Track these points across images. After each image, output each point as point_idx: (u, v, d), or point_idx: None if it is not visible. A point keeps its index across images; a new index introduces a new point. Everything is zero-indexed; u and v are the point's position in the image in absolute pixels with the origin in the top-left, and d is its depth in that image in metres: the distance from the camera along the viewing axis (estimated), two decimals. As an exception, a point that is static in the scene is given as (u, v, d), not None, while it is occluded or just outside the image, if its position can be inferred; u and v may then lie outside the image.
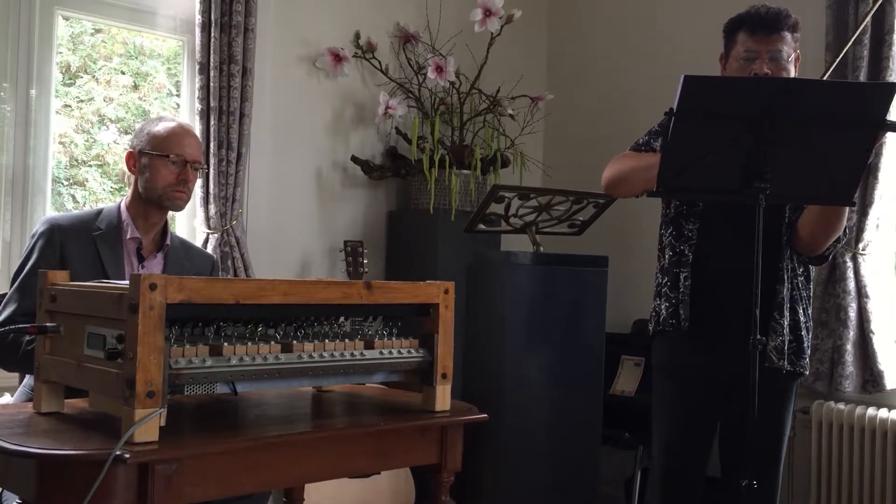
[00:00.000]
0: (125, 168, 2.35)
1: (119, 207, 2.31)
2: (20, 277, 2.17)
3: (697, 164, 1.91)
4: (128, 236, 2.27)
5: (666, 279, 2.30)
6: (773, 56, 2.18)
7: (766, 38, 2.18)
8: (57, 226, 2.21)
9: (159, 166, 2.26)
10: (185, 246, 2.47)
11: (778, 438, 2.27)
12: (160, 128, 2.30)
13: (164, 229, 2.36)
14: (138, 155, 2.29)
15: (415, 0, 3.79)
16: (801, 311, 2.26)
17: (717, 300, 2.23)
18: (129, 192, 2.33)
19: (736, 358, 2.21)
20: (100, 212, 2.30)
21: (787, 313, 2.21)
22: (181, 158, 2.28)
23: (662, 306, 2.29)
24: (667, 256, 2.33)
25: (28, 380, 2.22)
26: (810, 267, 2.33)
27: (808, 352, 2.29)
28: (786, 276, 2.22)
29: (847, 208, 2.18)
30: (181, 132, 2.31)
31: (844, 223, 2.22)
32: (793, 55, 2.22)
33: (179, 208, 2.34)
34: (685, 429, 2.32)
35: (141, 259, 2.29)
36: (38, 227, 2.24)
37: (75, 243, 2.20)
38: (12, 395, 2.38)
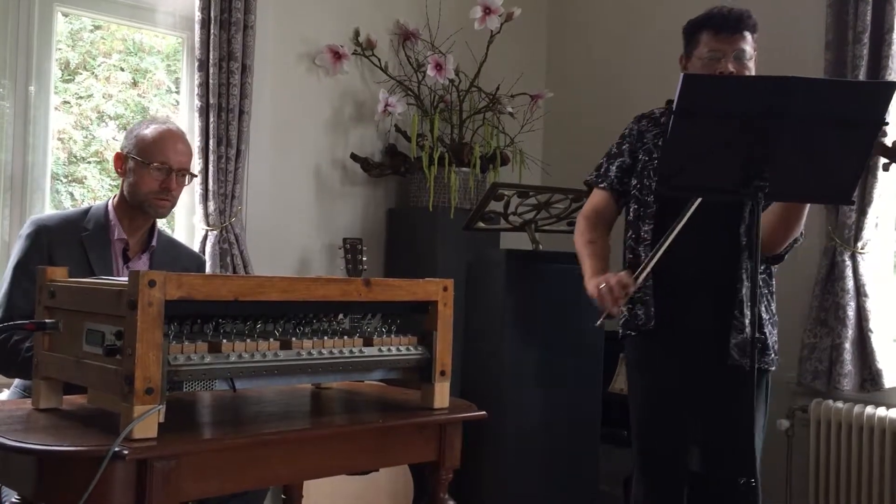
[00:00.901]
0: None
1: (107, 207, 2.28)
2: (8, 280, 2.15)
3: (697, 162, 1.92)
4: (115, 237, 2.25)
5: None
6: (738, 55, 2.23)
7: (730, 37, 2.23)
8: (44, 227, 2.19)
9: (143, 173, 2.23)
10: (173, 245, 2.45)
11: (749, 433, 2.27)
12: (149, 132, 2.26)
13: (151, 230, 2.34)
14: (125, 157, 2.27)
15: (414, -3, 3.79)
16: (764, 308, 2.29)
17: (678, 300, 2.27)
18: (117, 192, 2.31)
19: (699, 356, 2.25)
20: (87, 211, 2.28)
21: (747, 311, 2.22)
22: (165, 166, 2.23)
23: (625, 308, 2.32)
24: (627, 259, 2.38)
25: (20, 381, 2.20)
26: (771, 266, 2.36)
27: (776, 347, 2.33)
28: (745, 276, 2.24)
29: (806, 210, 2.22)
30: (168, 138, 2.26)
31: (802, 224, 2.26)
32: (753, 55, 2.27)
33: (162, 216, 2.31)
34: (658, 424, 2.35)
35: (126, 260, 2.27)
36: (24, 228, 2.21)
37: (63, 244, 2.17)
38: (7, 391, 2.37)
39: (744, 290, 2.23)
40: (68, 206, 3.06)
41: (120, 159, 2.29)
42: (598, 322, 2.21)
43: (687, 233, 2.19)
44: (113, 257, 2.24)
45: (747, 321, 2.22)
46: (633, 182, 2.36)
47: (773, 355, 2.31)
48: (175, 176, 2.25)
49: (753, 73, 2.26)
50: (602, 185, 2.40)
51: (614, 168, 2.39)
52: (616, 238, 2.43)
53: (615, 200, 2.41)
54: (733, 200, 2.11)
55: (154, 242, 2.33)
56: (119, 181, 2.32)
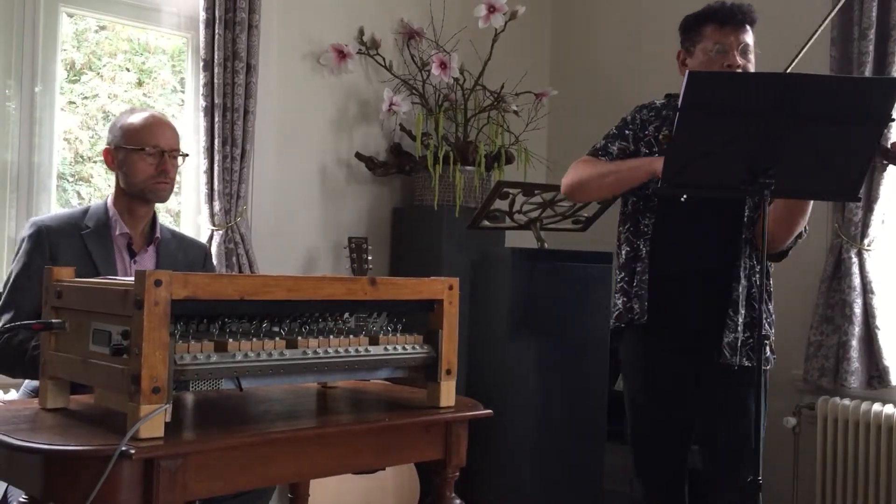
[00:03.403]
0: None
1: (106, 204, 2.29)
2: (10, 283, 2.15)
3: (703, 159, 1.92)
4: (116, 232, 2.25)
5: (623, 274, 2.32)
6: (743, 49, 2.22)
7: (736, 30, 2.21)
8: (44, 227, 2.19)
9: (136, 160, 2.23)
10: (177, 237, 2.44)
11: (748, 430, 2.25)
12: (132, 120, 2.27)
13: (153, 222, 2.34)
14: (115, 151, 2.27)
15: (419, -4, 3.79)
16: (762, 307, 2.27)
17: (674, 295, 2.25)
18: (113, 188, 2.31)
19: (695, 352, 2.23)
20: (86, 210, 2.28)
21: (742, 310, 2.21)
22: (158, 149, 2.24)
23: (619, 301, 2.31)
24: (624, 252, 2.35)
25: (29, 382, 2.21)
26: (769, 264, 2.33)
27: (771, 346, 2.31)
28: (742, 274, 2.22)
29: (811, 205, 2.20)
30: (154, 122, 2.27)
31: (807, 220, 2.24)
32: (754, 49, 2.26)
33: (163, 199, 2.32)
34: (652, 421, 2.34)
35: (132, 254, 2.27)
36: (24, 230, 2.22)
37: (64, 243, 2.17)
38: (17, 391, 2.38)
39: (739, 289, 2.21)
40: (76, 205, 3.07)
41: (109, 154, 2.29)
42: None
43: (684, 227, 2.18)
44: (117, 253, 2.25)
45: (741, 320, 2.21)
46: None
47: (769, 354, 2.29)
48: (168, 157, 2.26)
49: (754, 68, 2.25)
50: (602, 158, 2.32)
51: (616, 148, 2.32)
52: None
53: None
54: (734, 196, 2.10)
55: (158, 234, 2.33)
56: (113, 178, 2.32)
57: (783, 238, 2.24)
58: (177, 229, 2.56)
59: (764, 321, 2.26)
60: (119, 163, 2.26)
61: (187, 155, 2.37)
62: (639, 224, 2.30)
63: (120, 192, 2.28)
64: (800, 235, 2.28)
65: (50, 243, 2.16)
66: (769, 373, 2.33)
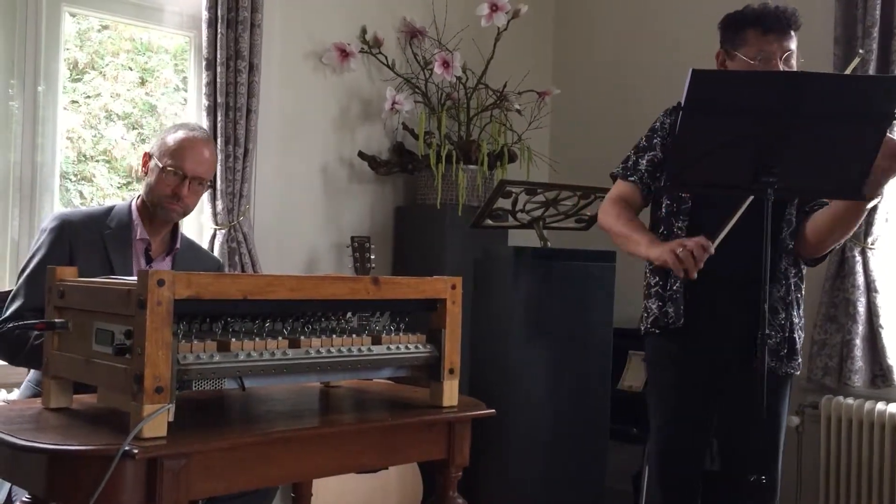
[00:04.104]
0: (138, 165, 2.35)
1: (130, 206, 2.30)
2: (27, 271, 2.17)
3: (706, 158, 1.91)
4: (137, 236, 2.26)
5: (657, 279, 2.29)
6: (787, 57, 2.15)
7: (779, 37, 2.14)
8: (68, 222, 2.20)
9: (159, 175, 2.25)
10: (194, 248, 2.46)
11: (775, 435, 2.26)
12: (172, 137, 2.28)
13: (175, 232, 2.36)
14: (150, 157, 2.30)
15: (421, -5, 3.78)
16: (795, 312, 2.26)
17: (710, 299, 2.22)
18: (141, 191, 2.33)
19: (728, 356, 2.22)
20: (111, 209, 2.29)
21: (779, 316, 2.20)
22: (180, 172, 2.24)
23: (654, 305, 2.28)
24: None
25: (33, 374, 2.22)
26: (803, 269, 2.32)
27: (801, 352, 2.30)
28: (780, 278, 2.21)
29: (864, 213, 2.15)
30: (188, 146, 2.27)
31: (856, 228, 2.21)
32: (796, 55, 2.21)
33: (172, 220, 2.31)
34: (679, 422, 2.32)
35: (149, 260, 2.29)
36: (47, 222, 2.23)
37: (85, 241, 2.19)
38: (18, 390, 2.38)
39: (776, 294, 2.19)
40: (77, 205, 3.07)
41: (146, 157, 2.32)
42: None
43: (713, 231, 2.15)
44: (134, 256, 2.26)
45: (777, 325, 2.19)
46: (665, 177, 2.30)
47: (799, 359, 2.28)
48: (189, 183, 2.25)
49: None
50: (631, 179, 2.32)
51: (644, 162, 2.31)
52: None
53: (641, 195, 2.33)
54: (776, 200, 2.07)
55: (178, 245, 2.34)
56: (131, 180, 2.34)
57: (827, 246, 2.21)
58: (195, 241, 2.57)
59: (796, 327, 2.26)
60: (148, 171, 2.29)
61: (212, 185, 2.37)
62: (672, 227, 2.26)
63: (143, 198, 2.30)
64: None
65: (71, 239, 2.18)
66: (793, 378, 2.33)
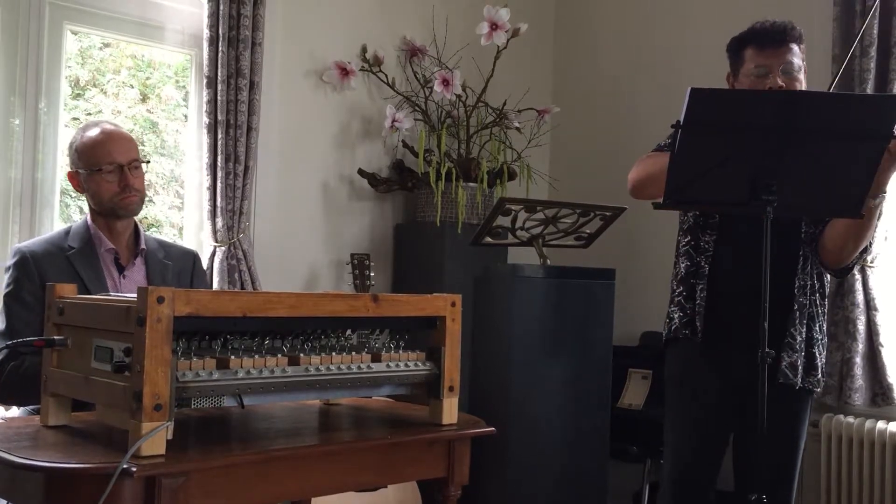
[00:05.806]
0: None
1: (86, 223, 2.29)
2: (4, 312, 2.14)
3: (704, 176, 1.91)
4: (102, 249, 2.25)
5: (682, 289, 2.29)
6: (786, 69, 2.18)
7: (776, 51, 2.18)
8: (29, 252, 2.18)
9: (98, 180, 2.22)
10: (164, 246, 2.43)
11: (792, 454, 2.25)
12: (85, 143, 2.25)
13: (136, 234, 2.34)
14: (76, 174, 2.27)
15: (421, 14, 3.80)
16: (817, 327, 2.25)
17: (733, 313, 2.22)
18: (87, 210, 2.31)
19: (749, 372, 2.21)
20: (68, 230, 2.28)
21: (802, 329, 2.19)
22: (115, 165, 2.22)
23: (676, 315, 2.29)
24: (683, 266, 2.32)
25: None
26: (825, 283, 2.31)
27: (822, 368, 2.28)
28: (800, 292, 2.20)
29: (876, 216, 2.16)
30: (105, 139, 2.25)
31: (873, 232, 2.20)
32: (802, 66, 2.21)
33: (134, 212, 2.30)
34: (696, 437, 2.30)
35: (121, 269, 2.27)
36: (9, 259, 2.21)
37: (51, 265, 2.17)
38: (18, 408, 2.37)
39: (798, 308, 2.19)
40: (77, 220, 3.07)
41: (73, 178, 2.29)
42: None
43: (745, 245, 2.15)
44: (105, 269, 2.24)
45: (800, 339, 2.19)
46: None
47: (819, 376, 2.26)
48: (129, 169, 2.24)
49: (804, 86, 2.21)
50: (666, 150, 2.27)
51: None
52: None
53: None
54: (793, 216, 2.05)
55: (143, 245, 2.32)
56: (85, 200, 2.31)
57: (850, 253, 2.20)
58: (163, 238, 2.55)
59: (817, 343, 2.25)
60: (83, 185, 2.26)
61: (148, 161, 2.36)
62: (699, 240, 2.27)
63: (94, 212, 2.28)
64: (865, 249, 2.24)
65: (37, 268, 2.15)
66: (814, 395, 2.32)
